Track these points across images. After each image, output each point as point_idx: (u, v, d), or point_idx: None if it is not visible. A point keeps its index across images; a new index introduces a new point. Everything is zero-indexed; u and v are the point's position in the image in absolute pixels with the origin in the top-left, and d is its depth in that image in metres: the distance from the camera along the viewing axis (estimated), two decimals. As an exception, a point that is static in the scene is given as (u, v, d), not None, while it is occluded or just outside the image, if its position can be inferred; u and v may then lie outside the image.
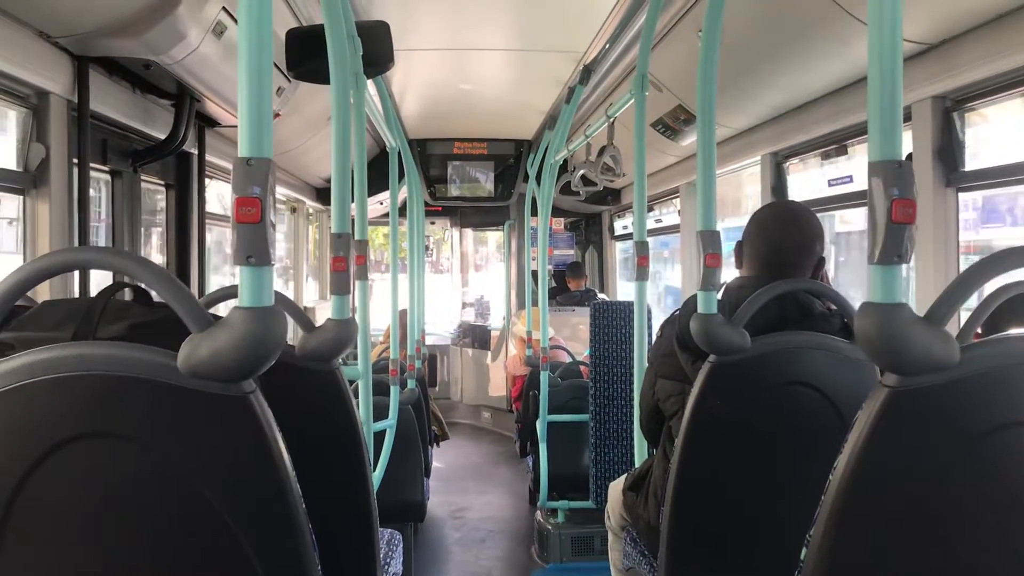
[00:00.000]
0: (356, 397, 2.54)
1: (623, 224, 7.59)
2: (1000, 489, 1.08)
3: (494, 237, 9.83)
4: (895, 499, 1.09)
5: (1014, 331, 1.54)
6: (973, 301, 1.23)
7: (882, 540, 1.10)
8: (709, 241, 1.88)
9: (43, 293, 2.38)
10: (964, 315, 1.59)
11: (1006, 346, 1.09)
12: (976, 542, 1.09)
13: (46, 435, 1.04)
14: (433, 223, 9.04)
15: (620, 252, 8.00)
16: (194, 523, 1.07)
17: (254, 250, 1.04)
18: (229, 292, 1.96)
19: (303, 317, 1.85)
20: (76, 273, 2.64)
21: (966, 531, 1.09)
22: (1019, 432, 1.06)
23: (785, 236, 2.02)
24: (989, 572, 1.10)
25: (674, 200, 5.59)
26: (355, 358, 2.78)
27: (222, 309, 1.57)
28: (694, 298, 1.87)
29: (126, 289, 1.32)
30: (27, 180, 2.46)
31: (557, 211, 7.99)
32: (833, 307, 1.95)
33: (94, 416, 1.05)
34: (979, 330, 1.43)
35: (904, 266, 1.07)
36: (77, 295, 2.60)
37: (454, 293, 9.28)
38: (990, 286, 1.18)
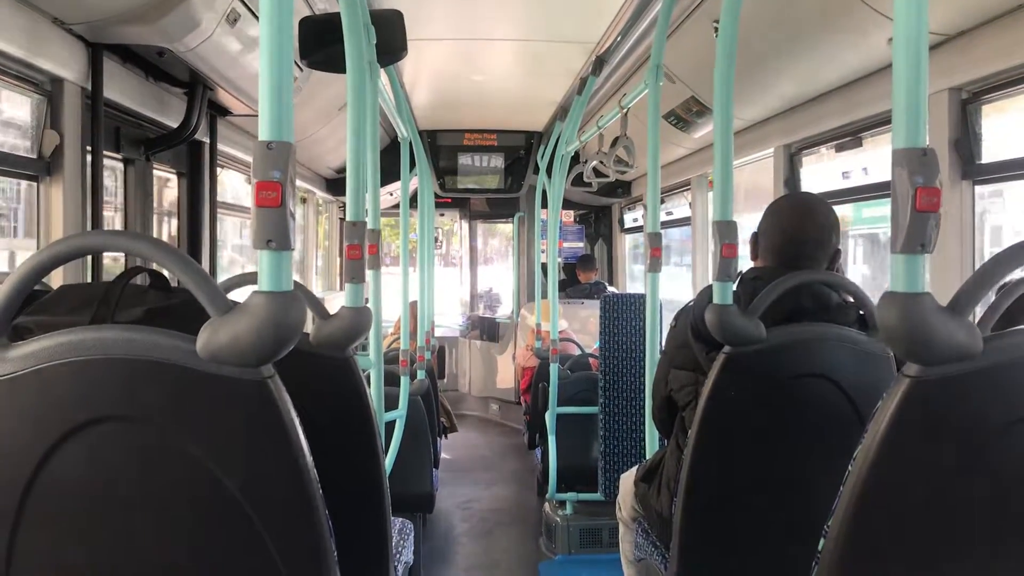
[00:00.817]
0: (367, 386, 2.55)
1: (633, 217, 7.57)
2: (1022, 481, 1.08)
3: (504, 229, 9.82)
4: (915, 490, 1.08)
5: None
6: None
7: (902, 531, 1.09)
8: (725, 231, 1.87)
9: (56, 281, 2.39)
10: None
11: None
12: (998, 533, 1.08)
13: (65, 418, 1.04)
14: (443, 215, 9.03)
15: (631, 247, 7.98)
16: (211, 506, 1.08)
17: (274, 234, 1.03)
18: (247, 278, 1.96)
19: (318, 305, 1.85)
20: (89, 261, 2.65)
21: (987, 522, 1.08)
22: None
23: (801, 228, 2.01)
24: (1012, 564, 1.10)
25: (685, 193, 5.57)
26: (367, 348, 2.79)
27: (238, 299, 1.56)
28: (710, 288, 1.86)
29: (143, 274, 1.32)
30: (41, 167, 2.46)
31: (567, 203, 7.96)
32: (849, 299, 1.94)
33: (112, 400, 1.05)
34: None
35: (926, 256, 1.06)
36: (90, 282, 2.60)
37: (463, 285, 9.27)
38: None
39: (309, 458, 1.10)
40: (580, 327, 6.60)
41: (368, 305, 2.07)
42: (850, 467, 1.11)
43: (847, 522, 1.10)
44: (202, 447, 1.06)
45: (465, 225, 9.16)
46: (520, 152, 7.21)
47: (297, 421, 1.09)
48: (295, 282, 1.14)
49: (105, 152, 2.75)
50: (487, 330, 8.46)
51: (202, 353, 1.02)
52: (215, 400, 1.05)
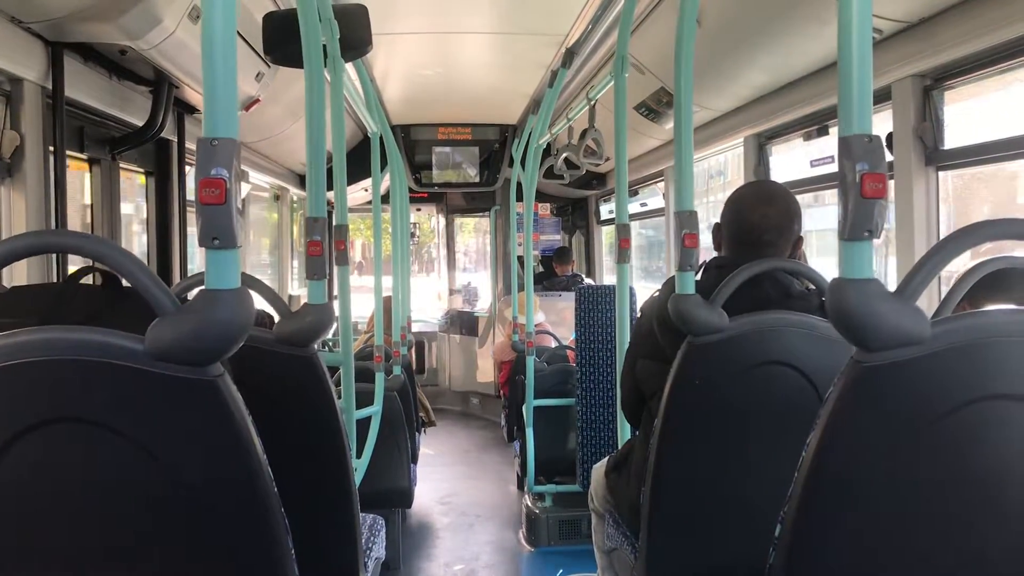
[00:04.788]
0: (340, 385, 2.54)
1: (609, 208, 7.58)
2: (970, 463, 1.09)
3: (481, 223, 9.80)
4: (866, 474, 1.09)
5: (990, 307, 1.54)
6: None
7: (854, 516, 1.10)
8: (686, 221, 1.88)
9: (20, 281, 2.36)
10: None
11: (976, 321, 1.09)
12: (946, 516, 1.09)
13: (13, 421, 1.03)
14: (419, 210, 9.00)
15: (605, 239, 7.99)
16: (163, 507, 1.07)
17: (219, 232, 1.02)
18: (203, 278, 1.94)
19: (279, 302, 1.84)
20: (54, 263, 2.62)
21: (936, 505, 1.09)
22: (989, 406, 1.07)
23: (763, 216, 2.01)
24: (959, 545, 1.11)
25: (660, 184, 5.59)
26: (339, 346, 2.77)
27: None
28: (674, 278, 1.87)
29: (96, 274, 1.31)
30: (1, 169, 2.43)
31: (543, 196, 7.96)
32: (811, 286, 1.95)
33: (61, 401, 1.04)
34: (966, 305, 1.43)
35: (876, 242, 1.06)
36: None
37: (441, 281, 9.25)
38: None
39: (263, 457, 1.09)
40: (557, 319, 6.60)
41: (335, 303, 2.06)
42: (803, 453, 1.12)
43: (801, 508, 1.11)
44: (152, 447, 1.05)
45: (442, 219, 9.13)
46: (495, 145, 7.19)
47: (250, 420, 1.08)
48: (251, 278, 1.13)
49: (69, 152, 2.71)
50: (466, 324, 8.45)
51: (149, 353, 1.01)
52: (164, 400, 1.04)
